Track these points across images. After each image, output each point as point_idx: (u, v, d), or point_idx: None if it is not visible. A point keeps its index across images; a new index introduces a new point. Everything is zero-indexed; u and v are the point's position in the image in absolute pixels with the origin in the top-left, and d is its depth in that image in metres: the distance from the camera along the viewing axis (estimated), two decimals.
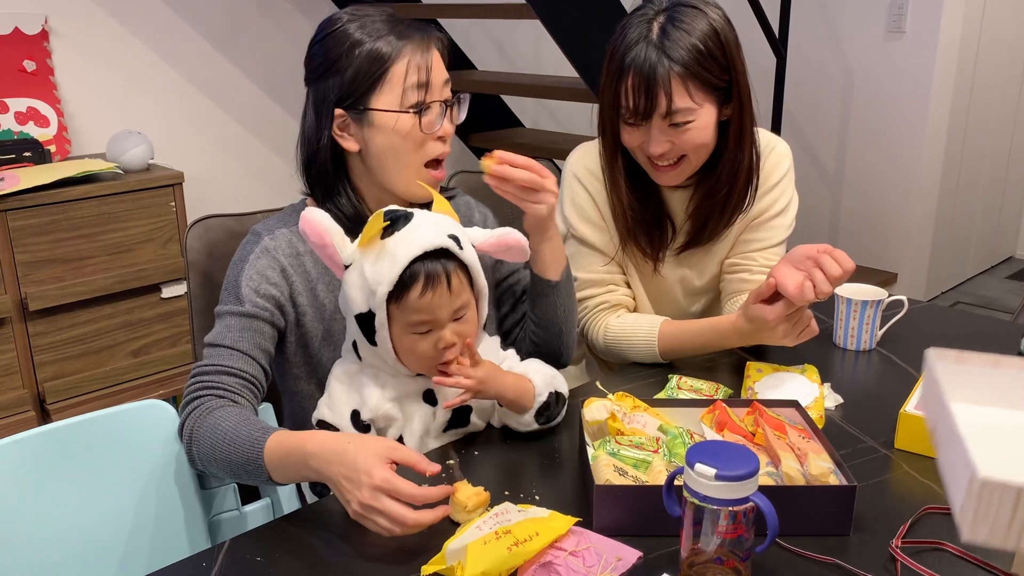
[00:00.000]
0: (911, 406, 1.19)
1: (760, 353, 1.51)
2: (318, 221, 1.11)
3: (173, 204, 2.34)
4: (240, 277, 1.23)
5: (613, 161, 1.48)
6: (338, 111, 1.25)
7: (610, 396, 1.20)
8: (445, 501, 1.02)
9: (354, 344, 1.18)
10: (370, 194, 1.32)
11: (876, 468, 1.15)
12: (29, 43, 2.42)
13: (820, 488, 1.00)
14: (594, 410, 1.16)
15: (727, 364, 1.49)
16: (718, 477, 0.84)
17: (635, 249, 1.55)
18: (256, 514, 1.26)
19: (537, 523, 0.97)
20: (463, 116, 1.33)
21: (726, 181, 1.48)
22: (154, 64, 2.73)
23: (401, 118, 1.23)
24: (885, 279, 3.79)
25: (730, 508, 0.86)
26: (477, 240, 1.18)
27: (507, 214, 1.93)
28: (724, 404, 1.18)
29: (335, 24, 1.25)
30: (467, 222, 1.43)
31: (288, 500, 1.27)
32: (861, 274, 3.62)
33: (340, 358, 1.24)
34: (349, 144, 1.27)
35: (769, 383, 1.34)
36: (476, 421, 1.25)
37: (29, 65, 2.42)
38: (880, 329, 1.54)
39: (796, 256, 1.30)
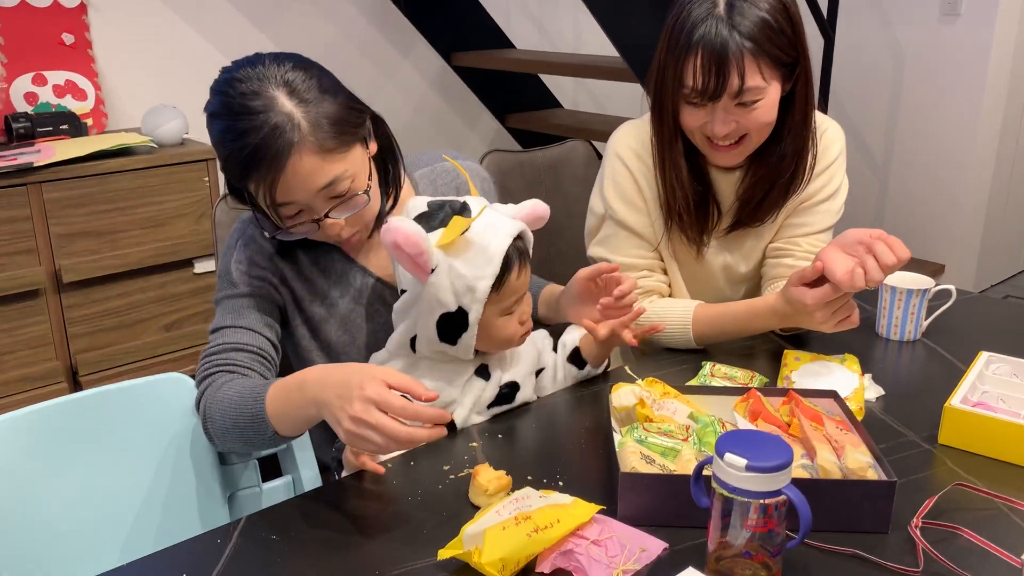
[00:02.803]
0: (957, 400, 1.13)
1: (799, 341, 1.45)
2: (412, 231, 1.05)
3: (207, 179, 2.34)
4: (230, 264, 1.23)
5: (672, 143, 1.42)
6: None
7: (639, 382, 1.16)
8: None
9: (411, 340, 1.16)
10: None
11: (918, 464, 1.09)
12: (68, 16, 2.43)
13: (857, 483, 0.95)
14: (622, 396, 1.12)
15: (764, 351, 1.44)
16: (749, 468, 0.80)
17: (680, 234, 1.49)
18: (276, 491, 1.25)
19: (559, 510, 0.93)
20: (364, 205, 1.16)
21: (791, 161, 1.42)
22: (191, 38, 2.72)
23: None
24: (932, 270, 3.69)
25: (761, 501, 0.81)
26: (508, 213, 1.18)
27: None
28: (759, 392, 1.13)
29: (214, 95, 1.12)
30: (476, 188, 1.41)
31: (310, 478, 1.25)
32: (907, 265, 3.55)
33: (377, 352, 1.22)
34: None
35: (807, 372, 1.29)
36: (521, 399, 1.24)
37: (68, 38, 2.43)
38: (926, 320, 1.48)
39: (847, 240, 1.24)
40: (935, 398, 1.21)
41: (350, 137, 1.12)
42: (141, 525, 1.16)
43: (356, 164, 1.13)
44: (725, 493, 0.83)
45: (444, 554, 0.90)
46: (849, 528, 0.95)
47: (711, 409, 1.15)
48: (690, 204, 1.45)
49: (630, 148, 1.49)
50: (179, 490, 1.18)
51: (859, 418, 1.18)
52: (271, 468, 1.32)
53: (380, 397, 0.92)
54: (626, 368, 1.27)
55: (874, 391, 1.27)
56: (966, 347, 1.41)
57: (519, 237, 1.14)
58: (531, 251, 1.18)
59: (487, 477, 1.02)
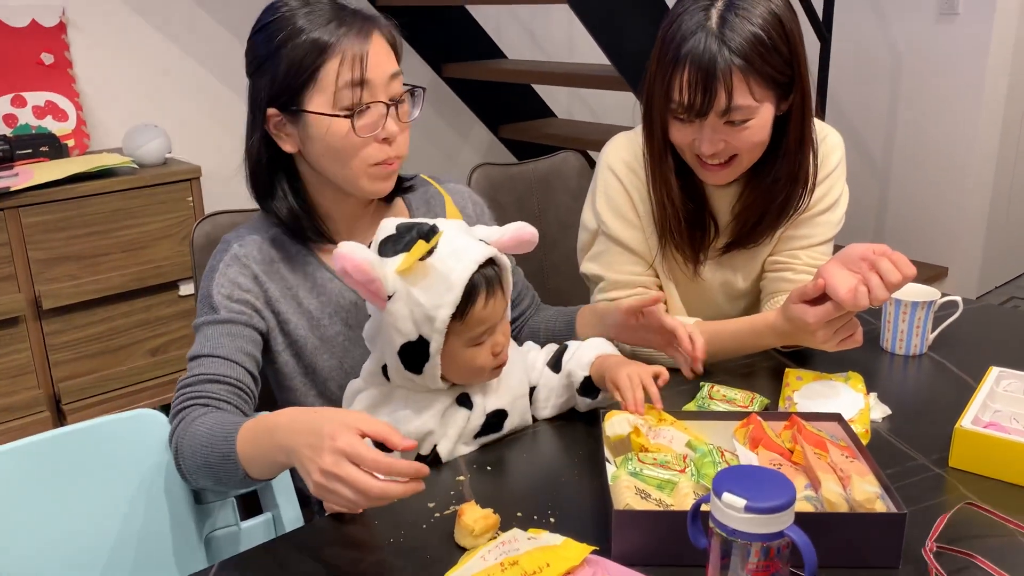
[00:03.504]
0: (967, 420, 1.08)
1: (801, 359, 1.39)
2: (361, 258, 1.01)
3: (190, 199, 2.29)
4: (212, 287, 1.18)
5: (662, 158, 1.36)
6: (271, 110, 1.16)
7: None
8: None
9: (383, 368, 1.12)
10: (320, 193, 1.23)
11: (928, 490, 1.03)
12: (47, 35, 2.38)
13: (865, 516, 0.89)
14: (615, 424, 1.07)
15: (765, 369, 1.38)
16: (748, 509, 0.74)
17: (674, 252, 1.44)
18: (255, 530, 1.19)
19: (548, 552, 0.88)
20: (416, 112, 1.22)
21: (785, 183, 1.36)
22: (174, 56, 2.67)
23: (334, 123, 1.13)
24: (935, 274, 3.63)
25: (762, 543, 0.76)
26: (489, 237, 1.12)
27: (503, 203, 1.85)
28: (759, 417, 1.07)
29: (275, 12, 1.15)
30: (461, 212, 1.37)
31: (291, 518, 1.19)
32: None
33: (354, 378, 1.18)
34: (287, 145, 1.18)
35: (809, 392, 1.24)
36: (510, 427, 1.19)
37: (47, 58, 2.38)
38: (932, 332, 1.42)
39: (849, 256, 1.18)
40: (944, 417, 1.15)
41: (398, 53, 1.19)
42: (112, 569, 1.10)
43: (402, 78, 1.18)
44: (723, 535, 0.77)
45: None
46: (858, 564, 0.89)
47: (710, 436, 1.09)
48: (681, 222, 1.39)
49: (623, 161, 1.44)
50: (152, 531, 1.12)
51: (865, 441, 1.13)
52: (252, 504, 1.27)
53: (352, 449, 0.85)
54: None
55: (880, 411, 1.21)
56: (975, 360, 1.36)
57: (489, 264, 1.08)
58: (507, 278, 1.12)
59: (473, 517, 0.96)
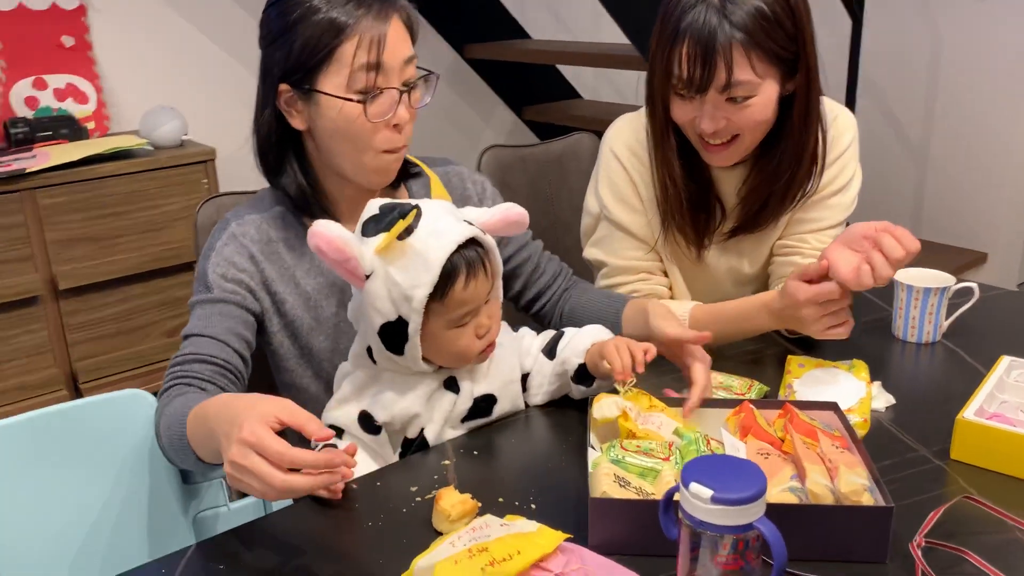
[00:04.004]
0: (970, 411, 1.03)
1: (807, 346, 1.35)
2: (335, 235, 1.01)
3: (206, 181, 2.30)
4: (207, 265, 1.18)
5: (664, 137, 1.33)
6: (283, 86, 1.15)
7: (624, 392, 1.07)
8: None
9: (368, 349, 1.11)
10: (324, 174, 1.22)
11: (926, 482, 1.00)
12: (67, 18, 2.40)
13: (850, 508, 0.86)
14: (604, 407, 1.04)
15: (770, 356, 1.34)
16: (715, 500, 0.72)
17: (677, 235, 1.40)
18: (244, 511, 1.19)
19: (520, 540, 0.85)
20: (428, 99, 1.20)
21: (788, 165, 1.32)
22: (192, 38, 2.68)
23: (346, 105, 1.12)
24: (974, 260, 3.52)
25: (731, 536, 0.73)
26: (478, 219, 1.10)
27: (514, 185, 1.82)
28: (752, 405, 1.04)
29: None
30: (460, 194, 1.34)
31: None
32: (947, 255, 3.40)
33: (344, 361, 1.17)
34: (296, 122, 1.17)
35: (810, 380, 1.20)
36: (500, 413, 1.17)
37: (67, 41, 2.40)
38: (946, 320, 1.37)
39: (851, 236, 1.14)
40: (951, 407, 1.10)
41: (415, 36, 1.17)
42: (100, 548, 1.11)
43: (416, 63, 1.17)
44: (691, 527, 0.74)
45: None
46: (843, 557, 0.86)
47: (701, 423, 1.06)
48: (683, 204, 1.36)
49: (625, 144, 1.41)
50: (139, 511, 1.13)
51: (863, 431, 1.09)
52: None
53: (256, 440, 0.82)
54: (618, 384, 1.16)
55: (884, 400, 1.17)
56: (990, 349, 1.30)
57: (470, 244, 1.05)
58: (493, 260, 1.09)
59: (450, 502, 0.94)
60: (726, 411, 1.08)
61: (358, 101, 1.12)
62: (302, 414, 0.87)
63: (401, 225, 1.03)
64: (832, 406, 1.06)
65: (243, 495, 1.23)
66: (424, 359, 1.08)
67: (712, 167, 1.38)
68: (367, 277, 1.04)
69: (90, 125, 2.41)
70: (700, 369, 1.11)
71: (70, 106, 2.40)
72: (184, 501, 1.16)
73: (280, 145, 1.20)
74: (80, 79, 2.42)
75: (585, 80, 3.70)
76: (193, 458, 0.99)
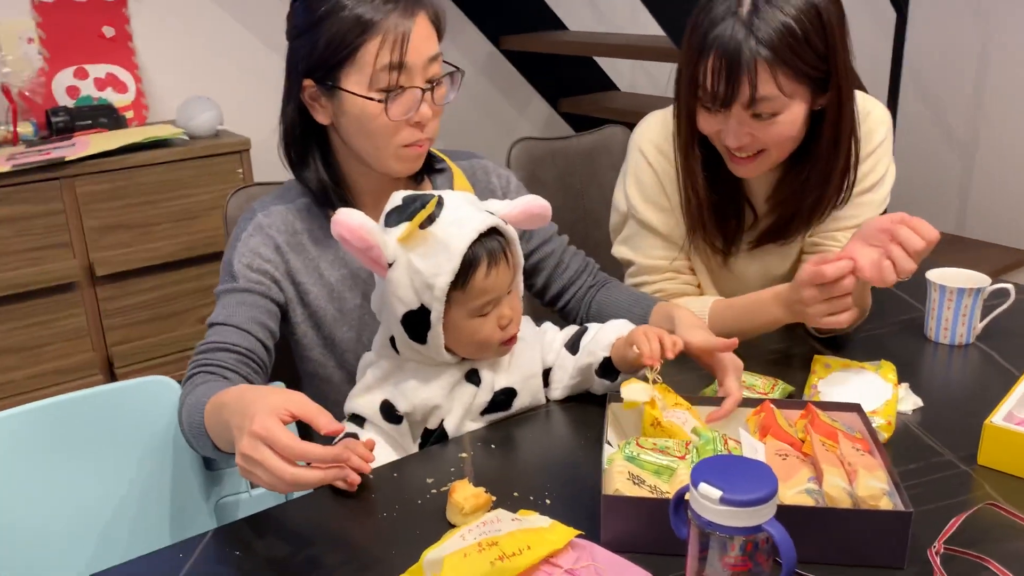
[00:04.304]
0: (999, 416, 1.01)
1: (836, 346, 1.33)
2: (357, 224, 1.02)
3: (240, 171, 2.33)
4: (233, 255, 1.19)
5: (689, 148, 1.31)
6: (307, 81, 1.16)
7: (651, 381, 1.06)
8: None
9: (391, 340, 1.11)
10: (349, 166, 1.23)
11: (951, 488, 0.97)
12: (108, 9, 2.44)
13: (867, 513, 0.84)
14: (633, 391, 1.03)
15: (798, 356, 1.32)
16: (724, 501, 0.71)
17: (703, 243, 1.39)
18: (266, 497, 1.20)
19: (531, 535, 0.85)
20: (452, 95, 1.20)
21: (817, 183, 1.30)
22: (229, 29, 2.71)
23: (368, 104, 1.12)
24: (1018, 259, 3.43)
25: (740, 537, 0.72)
26: (500, 211, 1.11)
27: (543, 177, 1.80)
28: (772, 405, 1.02)
29: None
30: (484, 188, 1.34)
31: None
32: (991, 253, 3.32)
33: (368, 351, 1.18)
34: (320, 116, 1.18)
35: (835, 381, 1.18)
36: (519, 407, 1.17)
37: (108, 31, 2.44)
38: (981, 321, 1.34)
39: (868, 231, 1.13)
40: (981, 411, 1.08)
41: (441, 33, 1.17)
42: (124, 530, 1.13)
43: (441, 60, 1.17)
44: (700, 527, 0.74)
45: None
46: (859, 562, 0.85)
47: (722, 423, 1.05)
48: (704, 215, 1.34)
49: (653, 143, 1.40)
50: (163, 495, 1.15)
51: (887, 434, 1.07)
52: None
53: (266, 433, 0.83)
54: (648, 371, 1.12)
55: (911, 402, 1.15)
56: None
57: (491, 234, 1.06)
58: (514, 251, 1.09)
59: (464, 495, 0.95)
60: (747, 411, 1.07)
61: (379, 100, 1.12)
62: (312, 407, 0.87)
63: (423, 214, 1.03)
64: (856, 408, 1.04)
65: None
66: (447, 350, 1.09)
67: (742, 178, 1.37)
68: (389, 266, 1.04)
69: (129, 114, 2.45)
70: (733, 381, 1.09)
71: (110, 95, 2.44)
72: (207, 487, 1.17)
73: (304, 138, 1.21)
74: (120, 69, 2.46)
75: (622, 72, 3.67)
76: (211, 446, 1.01)
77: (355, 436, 1.08)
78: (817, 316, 1.16)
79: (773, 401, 1.04)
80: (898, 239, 1.08)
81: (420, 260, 1.03)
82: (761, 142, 1.23)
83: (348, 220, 1.01)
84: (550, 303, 1.41)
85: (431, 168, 1.29)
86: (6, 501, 1.06)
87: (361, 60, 1.11)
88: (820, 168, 1.29)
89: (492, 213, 1.08)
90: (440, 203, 1.06)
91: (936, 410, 1.14)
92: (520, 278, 1.14)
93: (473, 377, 1.13)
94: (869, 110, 1.37)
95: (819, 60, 1.19)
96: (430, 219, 1.04)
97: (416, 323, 1.06)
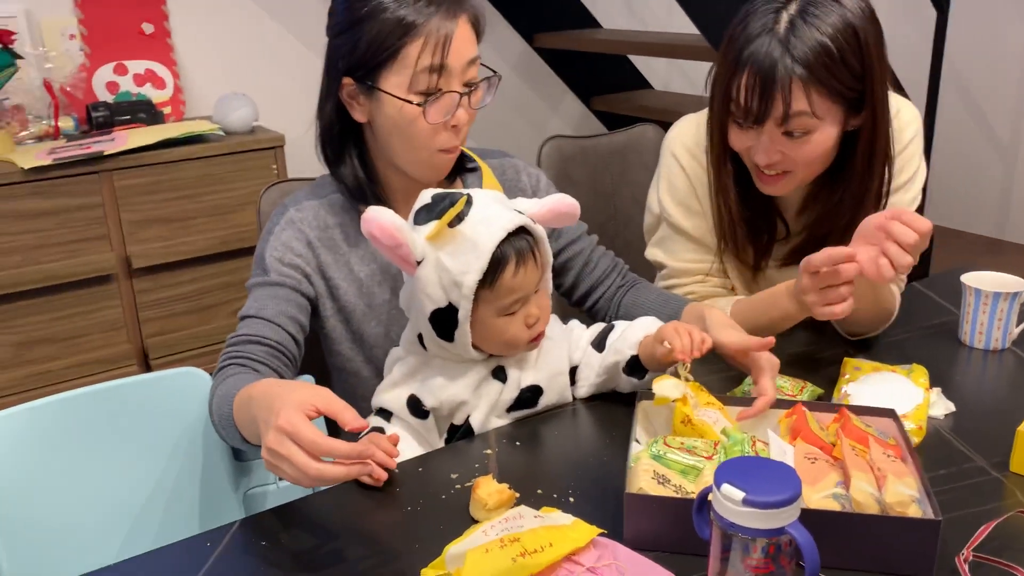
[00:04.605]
0: None
1: (867, 349, 1.32)
2: (388, 222, 1.01)
3: (275, 167, 2.35)
4: (266, 249, 1.21)
5: (721, 163, 1.31)
6: (346, 79, 1.16)
7: (685, 378, 1.06)
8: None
9: (419, 336, 1.12)
10: (382, 165, 1.24)
11: (981, 494, 0.96)
12: (148, 6, 2.48)
13: (893, 519, 0.83)
14: (666, 387, 1.03)
15: (827, 359, 1.30)
16: (747, 502, 0.70)
17: (733, 257, 1.39)
18: (293, 489, 1.21)
19: (553, 532, 0.85)
20: (488, 99, 1.20)
21: (850, 206, 1.29)
22: (266, 26, 2.74)
23: (406, 106, 1.13)
24: None
25: (763, 539, 0.72)
26: (528, 209, 1.11)
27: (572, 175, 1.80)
28: (805, 408, 1.01)
29: None
30: (514, 186, 1.34)
31: None
32: None
33: (396, 346, 1.19)
34: (357, 114, 1.19)
35: (865, 384, 1.16)
36: (545, 404, 1.17)
37: (147, 28, 2.48)
38: (1017, 326, 1.31)
39: (866, 229, 1.13)
40: (1014, 417, 1.06)
41: (480, 35, 1.18)
42: (154, 519, 1.15)
43: (479, 64, 1.17)
44: (723, 529, 0.73)
45: (427, 574, 0.84)
46: (885, 569, 0.84)
47: (751, 424, 1.04)
48: (736, 230, 1.34)
49: (685, 147, 1.39)
50: (193, 485, 1.17)
51: (918, 438, 1.05)
52: None
53: (292, 428, 0.84)
54: (678, 366, 1.12)
55: (943, 407, 1.13)
56: None
57: (520, 233, 1.06)
58: (543, 250, 1.10)
59: (488, 490, 0.95)
60: (778, 412, 1.06)
61: (418, 104, 1.13)
62: (338, 403, 0.88)
63: (452, 212, 1.04)
64: (890, 413, 1.02)
65: None
66: (474, 347, 1.09)
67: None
68: (418, 264, 1.05)
69: (166, 110, 2.49)
70: (768, 381, 1.08)
71: (148, 91, 2.48)
72: (236, 477, 1.19)
73: (341, 136, 1.22)
74: (159, 65, 2.50)
75: (656, 70, 3.66)
76: (240, 437, 1.02)
77: (381, 430, 1.09)
78: (816, 304, 1.15)
79: (806, 404, 1.03)
80: (892, 235, 1.08)
81: (448, 258, 1.03)
82: (790, 161, 1.23)
83: (378, 218, 1.01)
84: (578, 303, 1.40)
85: (462, 167, 1.30)
86: (41, 487, 1.08)
87: (402, 62, 1.11)
88: (853, 190, 1.28)
89: (520, 212, 1.09)
90: (469, 202, 1.06)
91: (968, 415, 1.13)
92: (549, 277, 1.14)
93: (500, 374, 1.13)
94: (898, 108, 1.35)
95: (854, 80, 1.18)
96: (459, 218, 1.04)
97: (444, 321, 1.06)
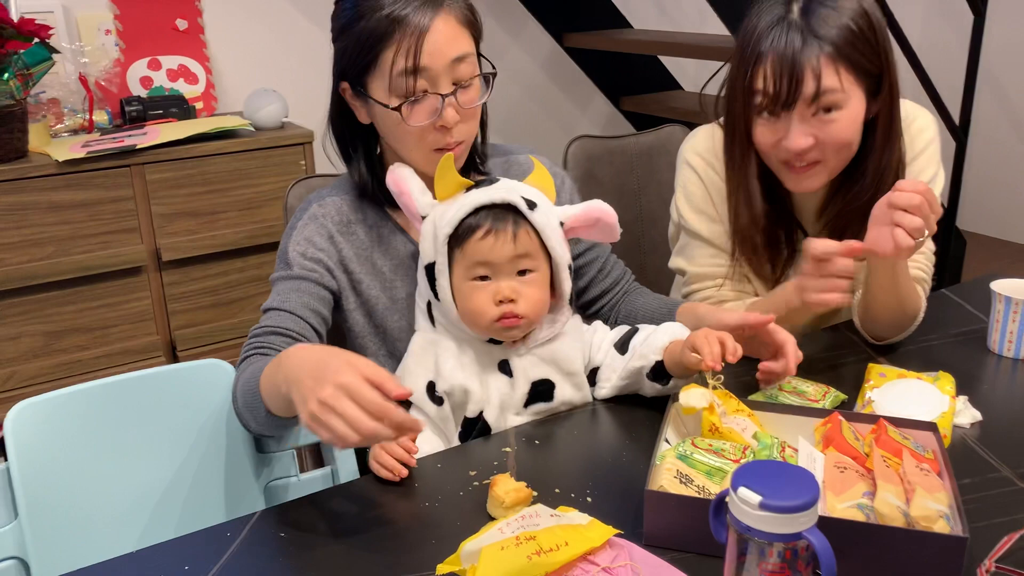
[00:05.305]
0: None
1: (892, 354, 1.30)
2: (399, 173, 1.16)
3: (303, 162, 2.37)
4: (289, 243, 1.22)
5: (744, 161, 1.31)
6: (344, 84, 1.18)
7: (712, 386, 1.05)
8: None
9: (428, 305, 1.16)
10: (393, 160, 1.24)
11: (1006, 505, 0.94)
12: (182, 2, 2.51)
13: (916, 534, 0.82)
14: (692, 396, 1.02)
15: (851, 364, 1.29)
16: (763, 506, 0.70)
17: (749, 269, 1.39)
18: (314, 482, 1.23)
19: (569, 531, 0.85)
20: (483, 98, 1.19)
21: (872, 181, 1.29)
22: (297, 23, 2.76)
23: (388, 111, 1.13)
24: None
25: (779, 544, 0.71)
26: (565, 216, 1.15)
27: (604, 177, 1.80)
28: (842, 417, 1.00)
29: None
30: None
31: (347, 471, 1.23)
32: None
33: (415, 330, 1.20)
34: (361, 116, 1.20)
35: (890, 391, 1.15)
36: (562, 399, 1.17)
37: (181, 24, 2.51)
38: None
39: (876, 213, 1.16)
40: None
41: (475, 29, 1.17)
42: (176, 509, 1.16)
43: (474, 60, 1.16)
44: (738, 532, 0.73)
45: (442, 569, 0.85)
46: None
47: (782, 429, 1.03)
48: (759, 228, 1.33)
49: (698, 155, 1.41)
50: (215, 476, 1.18)
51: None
52: (318, 459, 1.31)
53: (355, 386, 0.87)
54: (708, 375, 1.10)
55: (969, 416, 1.12)
56: None
57: (512, 211, 1.09)
58: (528, 233, 1.10)
59: (505, 488, 0.95)
60: (811, 420, 1.04)
61: (395, 108, 1.12)
62: (382, 372, 0.90)
63: (464, 184, 1.13)
64: (931, 427, 1.00)
65: (313, 467, 1.27)
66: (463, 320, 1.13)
67: (792, 195, 1.36)
68: (423, 219, 1.14)
69: (198, 105, 2.52)
70: (788, 340, 1.12)
71: (181, 86, 2.51)
72: (257, 469, 1.20)
73: (350, 136, 1.24)
74: (191, 60, 2.53)
75: (687, 71, 3.63)
76: (263, 412, 1.03)
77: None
78: (815, 291, 1.17)
79: (843, 413, 1.02)
80: (896, 203, 1.11)
81: (441, 213, 1.11)
82: (822, 147, 1.23)
83: (393, 170, 1.16)
84: (583, 307, 1.40)
85: (475, 168, 1.29)
86: (67, 474, 1.10)
87: (381, 68, 1.12)
88: (874, 165, 1.29)
89: (530, 202, 1.11)
90: (491, 181, 1.13)
91: (995, 425, 1.11)
92: (559, 278, 1.15)
93: (504, 367, 1.14)
94: (915, 116, 1.37)
95: (875, 56, 1.22)
96: (477, 185, 1.12)
97: (431, 276, 1.12)
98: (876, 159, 1.29)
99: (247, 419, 1.09)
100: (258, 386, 1.03)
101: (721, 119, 1.37)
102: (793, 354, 1.12)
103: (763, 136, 1.26)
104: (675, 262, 1.47)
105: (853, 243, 1.14)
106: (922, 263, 1.37)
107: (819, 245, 1.15)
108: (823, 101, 1.19)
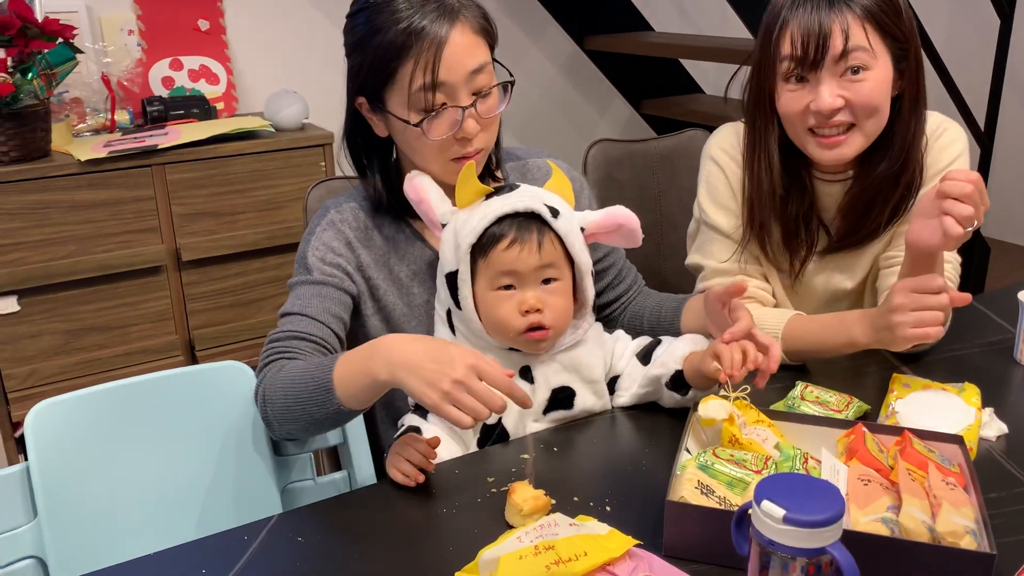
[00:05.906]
0: None
1: (916, 364, 1.28)
2: (417, 182, 1.15)
3: (323, 164, 2.37)
4: (307, 249, 1.22)
5: (767, 128, 1.30)
6: (360, 99, 1.18)
7: (731, 398, 1.04)
8: None
9: (448, 313, 1.15)
10: (411, 169, 1.23)
11: None
12: (204, 3, 2.52)
13: (943, 550, 0.80)
14: (711, 408, 1.02)
15: (874, 374, 1.27)
16: (787, 520, 0.69)
17: (766, 261, 1.38)
18: (331, 485, 1.23)
19: (588, 541, 0.85)
20: (502, 107, 1.18)
21: (897, 156, 1.28)
22: (318, 24, 2.77)
23: (407, 125, 1.13)
24: None
25: (800, 558, 0.70)
26: (586, 221, 1.15)
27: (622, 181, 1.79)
28: (865, 428, 0.98)
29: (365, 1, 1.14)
30: None
31: (364, 476, 1.22)
32: None
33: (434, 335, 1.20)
34: (378, 130, 1.20)
35: (914, 402, 1.13)
36: (582, 407, 1.17)
37: (203, 24, 2.52)
38: None
39: (921, 206, 1.14)
40: None
41: (490, 37, 1.16)
42: (194, 510, 1.16)
43: (491, 69, 1.16)
44: (762, 546, 0.72)
45: None
46: None
47: (804, 440, 1.02)
48: (776, 197, 1.32)
49: (723, 150, 1.40)
50: (231, 479, 1.18)
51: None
52: (335, 462, 1.31)
53: (485, 366, 0.93)
54: (725, 387, 1.09)
55: (995, 428, 1.10)
56: None
57: (534, 219, 1.09)
58: (553, 242, 1.10)
59: (523, 496, 0.94)
60: (834, 431, 1.03)
61: (416, 124, 1.12)
62: (486, 359, 0.95)
63: (484, 192, 1.12)
64: (957, 440, 0.99)
65: (330, 470, 1.27)
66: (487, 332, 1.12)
67: (814, 182, 1.35)
68: (443, 227, 1.14)
69: (219, 106, 2.53)
70: (745, 325, 1.10)
71: (202, 87, 2.52)
72: (275, 472, 1.20)
73: (364, 148, 1.24)
74: (213, 61, 2.54)
75: (707, 75, 3.61)
76: (333, 405, 1.01)
77: (417, 429, 1.09)
78: (909, 325, 1.10)
79: (867, 424, 1.00)
80: (948, 192, 1.08)
81: (463, 222, 1.10)
82: (851, 107, 1.23)
83: (411, 178, 1.15)
84: (595, 309, 1.40)
85: (490, 175, 1.29)
86: (86, 474, 1.11)
87: (399, 83, 1.11)
88: (898, 147, 1.28)
89: (552, 209, 1.10)
90: (512, 188, 1.12)
91: (1022, 438, 1.09)
92: (583, 285, 1.14)
93: (527, 374, 1.14)
94: (945, 128, 1.36)
95: (901, 23, 1.23)
96: (491, 196, 1.11)
97: (452, 285, 1.11)
98: (901, 137, 1.28)
99: (283, 419, 1.07)
100: (330, 379, 1.01)
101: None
102: (776, 356, 1.09)
103: (790, 103, 1.25)
104: (692, 259, 1.46)
105: (966, 183, 1.09)
106: (948, 271, 1.35)
107: (922, 281, 1.10)
108: (851, 59, 1.20)
